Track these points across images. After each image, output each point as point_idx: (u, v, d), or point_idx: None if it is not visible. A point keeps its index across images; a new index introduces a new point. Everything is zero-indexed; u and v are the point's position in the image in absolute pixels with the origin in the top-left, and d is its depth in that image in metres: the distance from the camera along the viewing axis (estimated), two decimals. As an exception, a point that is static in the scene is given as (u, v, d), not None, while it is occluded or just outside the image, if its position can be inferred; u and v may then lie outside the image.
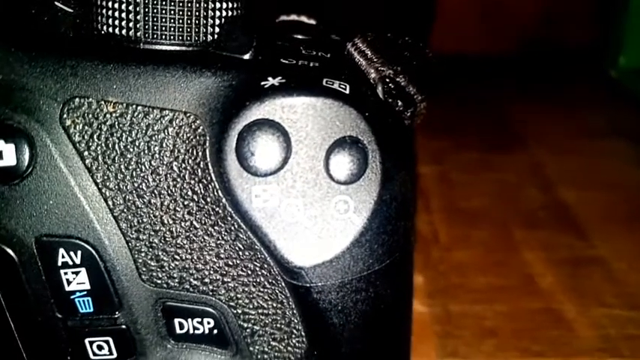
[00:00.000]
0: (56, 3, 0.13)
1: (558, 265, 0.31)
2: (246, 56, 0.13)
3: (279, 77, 0.12)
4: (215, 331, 0.13)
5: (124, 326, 0.13)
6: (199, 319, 0.13)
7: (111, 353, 0.14)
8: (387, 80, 0.14)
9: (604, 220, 0.35)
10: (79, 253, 0.13)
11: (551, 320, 0.26)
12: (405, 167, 0.13)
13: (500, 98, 0.55)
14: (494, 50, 0.62)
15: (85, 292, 0.13)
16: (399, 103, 0.14)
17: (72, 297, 0.13)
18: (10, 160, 0.12)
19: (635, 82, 0.56)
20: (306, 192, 0.12)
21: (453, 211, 0.36)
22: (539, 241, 0.33)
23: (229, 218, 0.12)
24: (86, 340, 0.14)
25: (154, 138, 0.12)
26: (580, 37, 0.62)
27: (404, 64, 0.15)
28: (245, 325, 0.13)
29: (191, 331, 0.13)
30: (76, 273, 0.13)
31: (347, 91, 0.12)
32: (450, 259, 0.31)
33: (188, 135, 0.12)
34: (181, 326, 0.13)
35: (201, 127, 0.12)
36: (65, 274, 0.13)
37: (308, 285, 0.12)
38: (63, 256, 0.13)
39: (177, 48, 0.12)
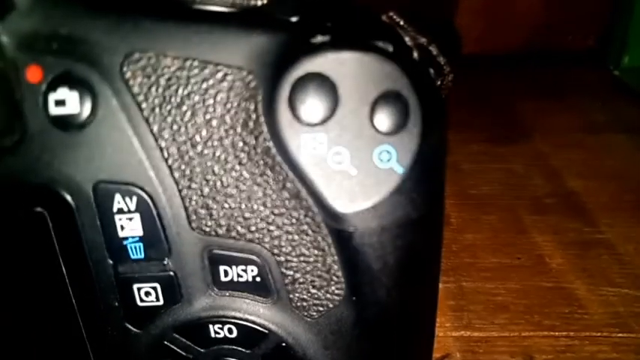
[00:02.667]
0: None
1: (567, 247, 0.32)
2: (295, 19, 0.13)
3: (328, 35, 0.13)
4: (258, 279, 0.14)
5: (171, 273, 0.14)
6: (243, 267, 0.14)
7: (157, 299, 0.14)
8: (421, 48, 0.15)
9: (610, 207, 0.36)
10: (135, 199, 0.13)
11: (562, 297, 0.27)
12: (441, 126, 0.14)
13: (505, 95, 0.56)
14: (498, 50, 0.63)
15: (138, 238, 0.14)
16: (432, 71, 0.15)
17: (124, 242, 0.14)
18: (73, 108, 0.13)
19: (639, 80, 0.57)
20: (352, 141, 0.12)
21: (463, 197, 0.37)
22: (548, 225, 0.34)
23: (278, 167, 0.13)
24: (135, 286, 0.14)
25: (208, 91, 0.13)
26: (583, 41, 0.63)
27: (434, 36, 0.16)
28: (287, 272, 0.14)
29: (235, 279, 0.14)
30: (130, 219, 0.13)
31: (390, 49, 0.13)
32: (462, 240, 0.32)
33: (241, 89, 0.13)
34: (226, 274, 0.14)
35: (253, 81, 0.13)
36: (120, 219, 0.13)
37: (351, 230, 0.13)
38: (119, 202, 0.13)
39: (230, 10, 0.13)
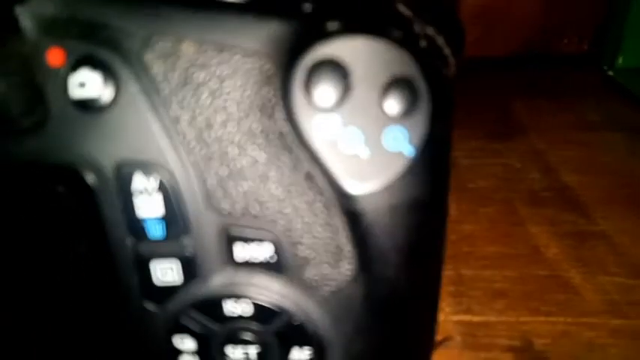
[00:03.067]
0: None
1: (563, 238, 0.32)
2: (309, 6, 0.14)
3: (341, 22, 0.13)
4: (272, 258, 0.15)
5: (190, 251, 0.15)
6: (258, 246, 0.15)
7: (176, 277, 0.15)
8: (428, 37, 0.16)
9: (605, 201, 0.37)
10: (155, 179, 0.14)
11: (558, 285, 0.28)
12: (448, 111, 0.14)
13: (502, 94, 0.57)
14: (495, 54, 0.64)
15: (158, 218, 0.14)
16: (438, 62, 0.16)
17: (144, 221, 0.14)
18: (95, 90, 0.13)
19: (633, 80, 0.58)
20: (364, 124, 0.13)
21: (461, 191, 0.38)
22: (544, 217, 0.35)
23: (293, 150, 0.14)
24: (153, 265, 0.15)
25: (226, 76, 0.13)
26: (579, 44, 0.65)
27: (440, 27, 0.16)
28: (300, 251, 0.15)
29: (250, 257, 0.15)
30: (151, 198, 0.14)
31: (401, 37, 0.13)
32: (461, 230, 0.33)
33: (258, 74, 0.13)
34: (242, 252, 0.15)
35: (270, 67, 0.13)
36: (140, 199, 0.14)
37: (362, 211, 0.14)
38: (139, 182, 0.14)
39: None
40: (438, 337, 0.25)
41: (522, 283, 0.28)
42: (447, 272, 0.31)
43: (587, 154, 0.43)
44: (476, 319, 0.26)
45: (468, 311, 0.26)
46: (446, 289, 0.27)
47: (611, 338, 0.25)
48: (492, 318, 0.26)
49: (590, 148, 0.45)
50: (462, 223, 0.34)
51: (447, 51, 0.16)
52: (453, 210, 0.36)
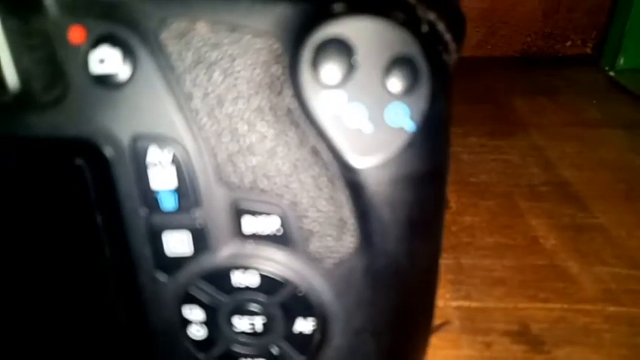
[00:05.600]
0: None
1: (561, 230, 0.33)
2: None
3: (347, 4, 0.14)
4: (278, 231, 0.15)
5: (201, 224, 0.15)
6: (266, 220, 0.15)
7: (187, 249, 0.16)
8: (429, 23, 0.16)
9: (603, 195, 0.38)
10: (169, 152, 0.14)
11: (556, 274, 0.29)
12: (447, 91, 0.15)
13: (503, 93, 0.57)
14: (496, 57, 0.65)
15: (170, 190, 0.15)
16: (439, 47, 0.16)
17: (157, 193, 0.15)
18: (115, 66, 0.14)
19: (634, 81, 0.58)
20: (367, 101, 0.14)
21: (462, 184, 0.39)
22: (543, 210, 0.35)
23: (300, 126, 0.14)
24: (165, 236, 0.16)
25: (237, 55, 0.14)
26: (582, 47, 0.65)
27: (442, 14, 0.17)
28: (305, 225, 0.15)
29: (258, 230, 0.15)
30: (164, 171, 0.15)
31: (404, 18, 0.14)
32: (461, 222, 0.33)
33: (267, 53, 0.14)
34: (250, 226, 0.15)
35: (279, 46, 0.14)
36: (154, 171, 0.15)
37: (365, 183, 0.14)
38: (154, 155, 0.15)
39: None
40: (437, 322, 0.26)
41: (521, 272, 0.29)
42: (447, 261, 0.32)
43: (586, 149, 0.44)
44: (474, 305, 0.27)
45: (466, 297, 0.27)
46: (445, 277, 0.28)
47: (606, 324, 0.25)
48: (490, 304, 0.27)
49: (590, 145, 0.45)
50: (463, 215, 0.35)
51: (447, 37, 0.17)
52: (454, 203, 0.37)
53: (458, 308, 0.26)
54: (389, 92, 0.14)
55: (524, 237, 0.32)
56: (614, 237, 0.33)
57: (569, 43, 0.67)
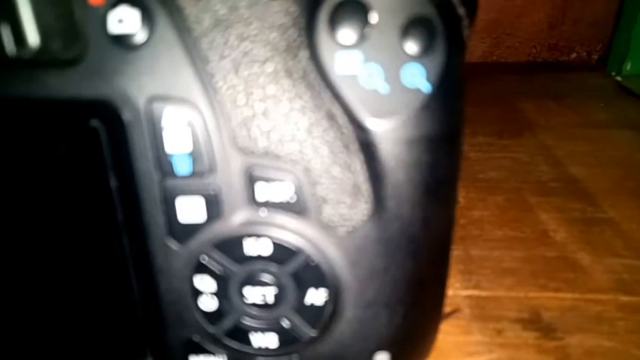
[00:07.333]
0: None
1: (571, 223, 0.33)
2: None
3: (363, -33, 0.14)
4: (292, 198, 0.15)
5: (215, 189, 0.15)
6: (279, 187, 0.15)
7: (200, 215, 0.16)
8: (443, -6, 0.17)
9: (612, 191, 0.37)
10: (185, 115, 0.14)
11: (567, 265, 0.28)
12: (462, 53, 0.15)
13: (511, 96, 0.57)
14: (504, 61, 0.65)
15: (185, 154, 0.15)
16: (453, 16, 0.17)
17: (172, 157, 0.15)
18: (133, 26, 0.14)
19: (640, 85, 0.58)
20: (384, 61, 0.14)
21: (471, 181, 0.38)
22: (552, 205, 0.35)
23: (315, 88, 0.14)
24: (179, 201, 0.15)
25: (254, 17, 0.14)
26: (588, 57, 0.66)
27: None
28: (319, 191, 0.15)
29: (271, 197, 0.15)
30: (179, 134, 0.15)
31: (420, -19, 0.14)
32: (470, 216, 0.33)
33: (284, 16, 0.14)
34: (263, 192, 0.15)
35: (295, 9, 0.14)
36: (169, 134, 0.15)
37: (380, 146, 0.14)
38: (169, 117, 0.15)
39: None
40: (447, 310, 0.25)
41: (531, 263, 0.28)
42: (456, 252, 0.31)
43: (594, 148, 0.44)
44: (484, 293, 0.26)
45: (476, 287, 0.27)
46: (455, 267, 0.28)
47: (619, 312, 0.25)
48: (501, 293, 0.26)
49: (598, 144, 0.45)
50: (471, 210, 0.34)
51: (461, 11, 0.17)
52: (463, 198, 0.37)
53: (468, 297, 0.26)
54: (405, 53, 0.14)
55: (533, 230, 0.32)
56: (624, 230, 0.32)
57: (574, 55, 0.67)
